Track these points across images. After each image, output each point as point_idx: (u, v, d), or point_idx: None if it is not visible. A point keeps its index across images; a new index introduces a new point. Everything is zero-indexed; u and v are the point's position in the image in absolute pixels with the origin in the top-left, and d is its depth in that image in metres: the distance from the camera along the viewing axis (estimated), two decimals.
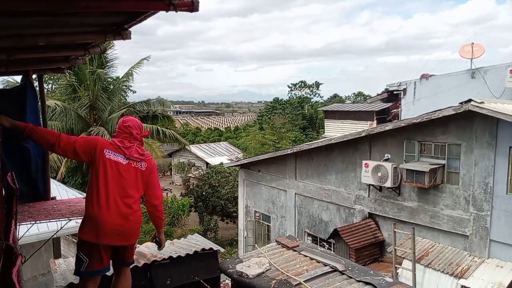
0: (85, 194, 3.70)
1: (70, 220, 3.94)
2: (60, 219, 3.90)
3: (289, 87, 60.80)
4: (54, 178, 13.76)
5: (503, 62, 13.08)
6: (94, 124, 17.21)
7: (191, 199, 22.04)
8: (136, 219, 3.33)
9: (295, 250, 4.18)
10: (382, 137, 10.55)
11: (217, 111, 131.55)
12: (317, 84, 61.45)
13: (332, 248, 11.33)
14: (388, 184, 9.92)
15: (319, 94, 61.20)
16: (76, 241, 6.41)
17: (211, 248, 4.99)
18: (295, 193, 13.16)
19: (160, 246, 3.74)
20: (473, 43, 13.24)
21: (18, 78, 5.96)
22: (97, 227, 3.16)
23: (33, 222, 3.78)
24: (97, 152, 3.24)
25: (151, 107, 19.51)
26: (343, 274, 3.62)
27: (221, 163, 23.56)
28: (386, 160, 10.22)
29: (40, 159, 4.18)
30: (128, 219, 3.24)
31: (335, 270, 3.69)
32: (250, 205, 15.31)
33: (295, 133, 40.62)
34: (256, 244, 11.14)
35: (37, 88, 4.48)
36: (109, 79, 18.90)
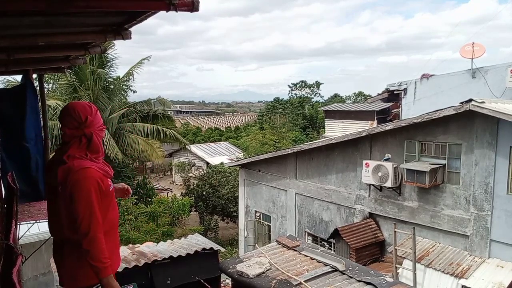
0: None
1: None
2: None
3: (289, 86, 60.77)
4: None
5: (504, 62, 13.07)
6: None
7: (192, 199, 22.04)
8: (68, 263, 2.51)
9: (296, 250, 4.17)
10: (382, 137, 10.54)
11: (217, 111, 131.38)
12: (318, 84, 61.38)
13: (332, 248, 11.33)
14: (389, 184, 9.91)
15: (319, 94, 61.17)
16: None
17: (211, 248, 5.00)
18: (296, 193, 13.15)
19: None
20: (473, 43, 13.22)
21: (18, 78, 5.96)
22: None
23: (34, 222, 3.78)
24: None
25: (151, 107, 19.57)
26: (344, 274, 3.62)
27: (222, 163, 23.58)
28: (387, 160, 10.22)
29: (40, 158, 4.19)
30: (60, 259, 2.59)
31: (335, 270, 3.69)
32: (251, 205, 15.31)
33: (296, 133, 40.60)
34: (256, 244, 11.14)
35: (38, 88, 4.48)
36: (109, 79, 18.96)
